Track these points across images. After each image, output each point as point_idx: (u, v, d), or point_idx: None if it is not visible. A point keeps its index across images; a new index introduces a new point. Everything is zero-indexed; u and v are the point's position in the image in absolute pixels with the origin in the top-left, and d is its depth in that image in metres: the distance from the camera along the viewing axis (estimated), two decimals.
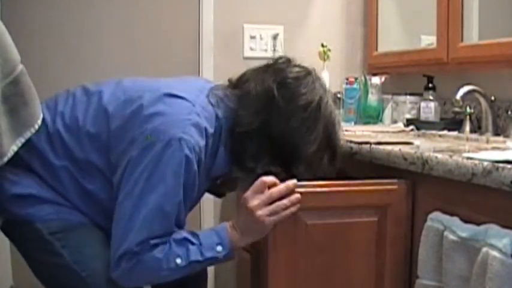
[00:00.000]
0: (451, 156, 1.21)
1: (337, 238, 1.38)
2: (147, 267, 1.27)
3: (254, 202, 1.29)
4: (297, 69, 1.39)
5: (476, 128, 1.86)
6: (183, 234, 1.31)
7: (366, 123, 2.28)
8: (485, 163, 1.11)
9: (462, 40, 1.91)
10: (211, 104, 1.35)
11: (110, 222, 1.31)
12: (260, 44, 2.43)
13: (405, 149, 1.37)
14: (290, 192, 1.31)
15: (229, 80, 1.44)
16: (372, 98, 2.28)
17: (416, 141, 1.56)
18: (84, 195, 1.36)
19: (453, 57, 1.93)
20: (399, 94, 2.21)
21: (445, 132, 1.86)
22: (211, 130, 1.32)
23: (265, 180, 1.30)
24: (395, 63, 2.30)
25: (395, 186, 1.39)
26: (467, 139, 1.75)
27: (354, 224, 1.38)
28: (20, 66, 1.30)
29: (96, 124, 1.34)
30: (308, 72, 1.39)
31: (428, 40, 2.10)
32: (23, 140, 1.32)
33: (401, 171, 1.37)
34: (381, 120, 2.26)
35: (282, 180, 1.32)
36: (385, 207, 1.39)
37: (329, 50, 2.33)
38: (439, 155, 1.24)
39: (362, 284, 1.41)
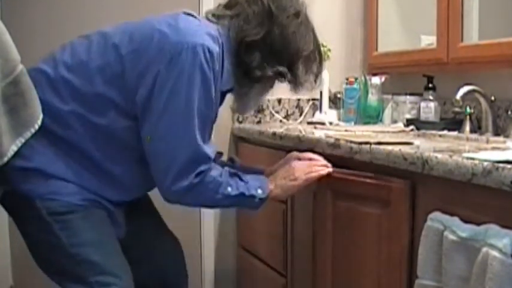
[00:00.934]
0: (451, 156, 1.21)
1: (346, 223, 1.56)
2: (207, 189, 1.42)
3: (296, 165, 1.56)
4: None
5: (476, 128, 1.86)
6: (232, 170, 1.51)
7: (366, 123, 2.27)
8: (485, 163, 1.11)
9: (462, 40, 1.91)
10: (212, 22, 1.48)
11: (123, 162, 1.42)
12: None
13: (405, 149, 1.37)
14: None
15: (220, 4, 1.56)
16: (372, 98, 2.28)
17: (416, 141, 1.55)
18: (98, 136, 1.38)
19: (453, 57, 1.93)
20: (399, 94, 2.21)
21: (445, 132, 1.85)
22: (220, 40, 1.43)
23: (310, 155, 1.60)
24: (395, 63, 2.29)
25: (395, 186, 1.39)
26: (467, 139, 1.75)
27: (362, 214, 1.51)
28: (20, 66, 1.30)
29: (105, 56, 1.39)
30: None
31: (428, 40, 2.10)
32: (23, 140, 1.32)
33: (401, 171, 1.37)
34: (381, 120, 2.26)
35: None
36: (385, 204, 1.40)
37: (329, 50, 2.33)
38: (439, 155, 1.24)
39: (364, 277, 1.44)
